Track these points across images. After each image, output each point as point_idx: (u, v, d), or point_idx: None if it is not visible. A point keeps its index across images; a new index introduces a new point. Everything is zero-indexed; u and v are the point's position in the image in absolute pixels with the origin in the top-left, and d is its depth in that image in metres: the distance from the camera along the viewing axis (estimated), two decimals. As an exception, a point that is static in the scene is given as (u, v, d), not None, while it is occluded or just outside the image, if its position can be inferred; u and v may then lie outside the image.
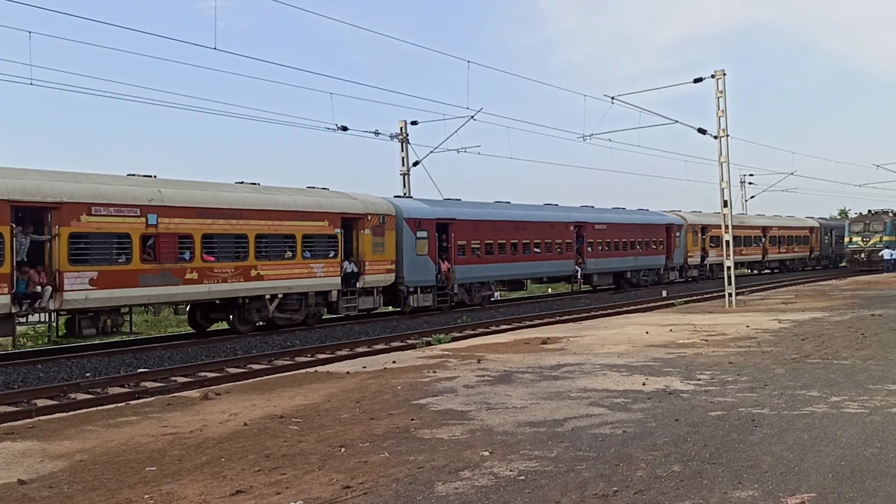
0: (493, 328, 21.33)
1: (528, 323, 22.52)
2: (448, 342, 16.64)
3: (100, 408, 9.76)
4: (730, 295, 23.84)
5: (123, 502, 5.55)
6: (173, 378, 14.22)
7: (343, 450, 6.84)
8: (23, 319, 16.15)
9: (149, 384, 13.69)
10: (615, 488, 5.46)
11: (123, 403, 9.98)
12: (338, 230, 21.68)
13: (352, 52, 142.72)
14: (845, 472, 5.71)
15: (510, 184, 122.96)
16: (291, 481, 5.91)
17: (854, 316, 18.56)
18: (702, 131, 24.87)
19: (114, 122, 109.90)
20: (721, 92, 23.50)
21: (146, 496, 5.64)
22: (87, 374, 14.57)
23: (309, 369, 12.86)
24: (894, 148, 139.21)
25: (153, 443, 7.36)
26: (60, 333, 17.63)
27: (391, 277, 23.52)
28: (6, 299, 14.81)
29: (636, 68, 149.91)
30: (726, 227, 24.18)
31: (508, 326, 21.65)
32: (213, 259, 18.48)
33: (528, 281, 32.20)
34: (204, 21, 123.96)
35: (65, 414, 9.49)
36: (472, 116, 28.05)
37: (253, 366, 15.65)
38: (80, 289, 15.92)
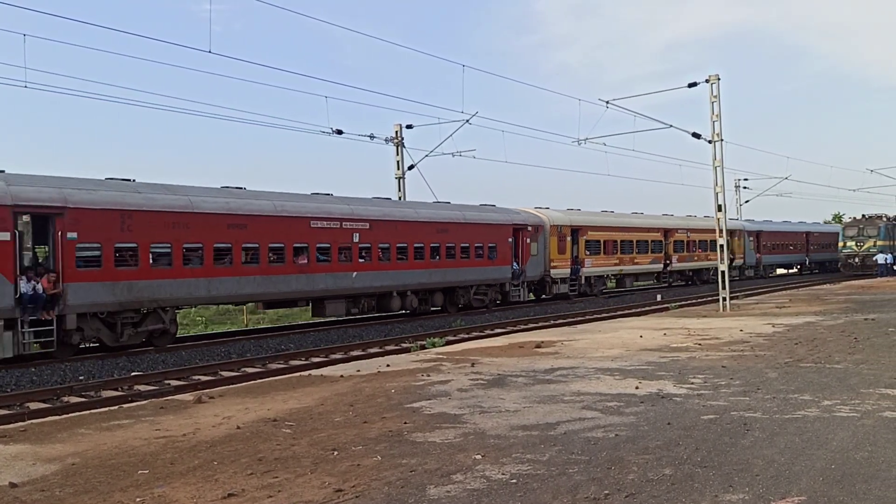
0: (488, 332, 21.32)
1: (523, 327, 22.54)
2: (442, 346, 16.68)
3: (92, 411, 9.75)
4: (724, 299, 23.91)
5: (115, 505, 5.55)
6: (167, 381, 14.20)
7: (336, 453, 6.84)
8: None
9: (142, 387, 13.67)
10: (606, 491, 5.48)
11: (116, 407, 9.96)
12: (727, 238, 43.07)
13: (347, 56, 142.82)
14: (836, 476, 5.74)
15: (505, 187, 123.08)
16: (284, 484, 5.91)
17: (847, 320, 18.64)
18: (696, 136, 24.93)
19: (107, 124, 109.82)
20: (715, 96, 23.56)
21: (138, 499, 5.64)
22: (81, 378, 14.54)
23: (303, 373, 12.85)
24: (888, 153, 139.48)
25: (146, 446, 7.35)
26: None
27: (742, 261, 47.43)
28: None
29: (630, 72, 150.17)
30: (720, 231, 24.26)
31: (503, 330, 21.67)
32: (695, 249, 42.22)
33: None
34: (199, 24, 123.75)
35: (57, 417, 9.48)
36: (468, 120, 28.16)
37: (247, 369, 15.61)
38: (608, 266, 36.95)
